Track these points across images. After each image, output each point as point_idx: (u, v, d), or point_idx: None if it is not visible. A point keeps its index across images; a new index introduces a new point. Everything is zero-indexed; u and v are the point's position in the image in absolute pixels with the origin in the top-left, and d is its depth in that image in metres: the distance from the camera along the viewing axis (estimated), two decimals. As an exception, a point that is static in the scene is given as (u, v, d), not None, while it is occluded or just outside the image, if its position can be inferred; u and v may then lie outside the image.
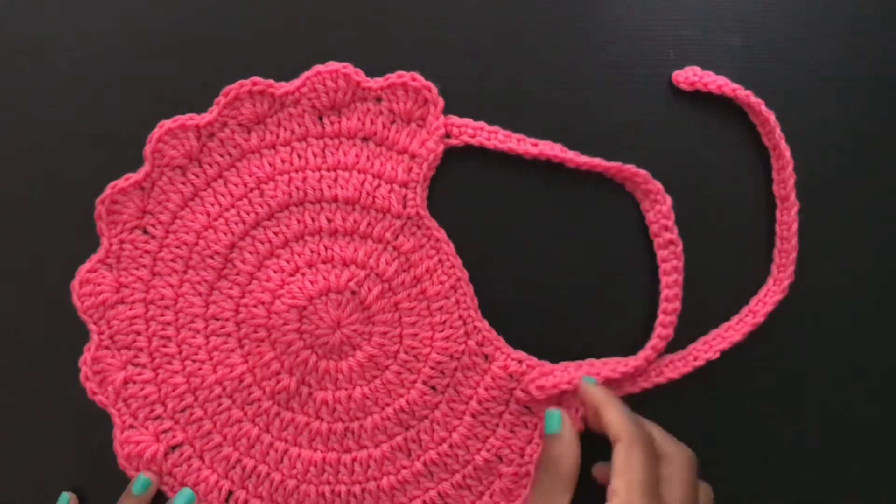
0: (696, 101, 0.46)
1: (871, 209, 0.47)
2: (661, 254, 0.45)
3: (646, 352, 0.44)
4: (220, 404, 0.44)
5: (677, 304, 0.44)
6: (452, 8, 0.46)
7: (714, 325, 0.45)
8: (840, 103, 0.47)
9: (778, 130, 0.45)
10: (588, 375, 0.42)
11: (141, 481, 0.44)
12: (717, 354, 0.44)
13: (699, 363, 0.44)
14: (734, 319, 0.45)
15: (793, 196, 0.45)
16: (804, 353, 0.46)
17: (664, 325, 0.44)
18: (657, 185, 0.44)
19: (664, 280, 0.44)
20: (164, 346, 0.44)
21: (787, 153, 0.45)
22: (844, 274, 0.46)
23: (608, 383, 0.44)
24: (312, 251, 0.44)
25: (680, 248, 0.44)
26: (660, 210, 0.44)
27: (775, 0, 0.47)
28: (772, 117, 0.45)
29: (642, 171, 0.44)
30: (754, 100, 0.45)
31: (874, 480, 0.47)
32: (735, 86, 0.45)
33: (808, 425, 0.46)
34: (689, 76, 0.45)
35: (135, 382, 0.44)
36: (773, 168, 0.46)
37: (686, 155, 0.46)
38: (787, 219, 0.45)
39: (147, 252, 0.44)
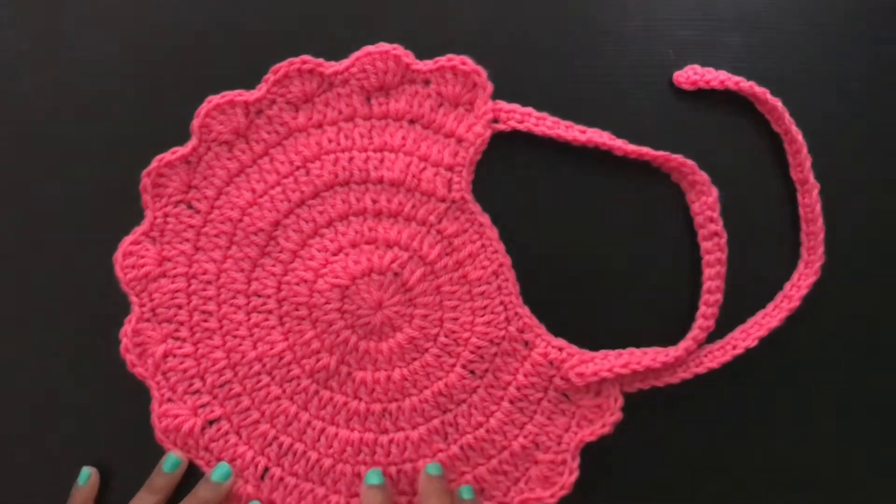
0: (698, 100, 0.46)
1: (871, 209, 0.47)
2: (704, 245, 0.45)
3: (686, 342, 0.44)
4: (258, 381, 0.44)
5: (719, 296, 0.44)
6: (452, 8, 0.46)
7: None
8: (840, 102, 0.47)
9: (787, 116, 0.45)
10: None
11: (171, 460, 0.43)
12: (756, 342, 0.44)
13: (738, 352, 0.44)
14: (770, 306, 0.45)
15: (811, 178, 0.45)
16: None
17: (706, 317, 0.44)
18: (703, 176, 0.44)
19: (707, 272, 0.44)
20: (205, 321, 0.44)
21: (800, 137, 0.45)
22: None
23: (648, 373, 0.44)
24: (356, 231, 0.44)
25: (724, 240, 0.44)
26: (705, 201, 0.44)
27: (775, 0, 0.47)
28: (779, 104, 0.45)
29: (689, 162, 0.44)
30: (759, 89, 0.45)
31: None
32: (737, 78, 0.45)
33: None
34: (690, 75, 0.45)
35: (174, 356, 0.44)
36: (788, 153, 0.45)
37: (691, 153, 0.45)
38: (810, 201, 0.45)
39: (191, 226, 0.44)
